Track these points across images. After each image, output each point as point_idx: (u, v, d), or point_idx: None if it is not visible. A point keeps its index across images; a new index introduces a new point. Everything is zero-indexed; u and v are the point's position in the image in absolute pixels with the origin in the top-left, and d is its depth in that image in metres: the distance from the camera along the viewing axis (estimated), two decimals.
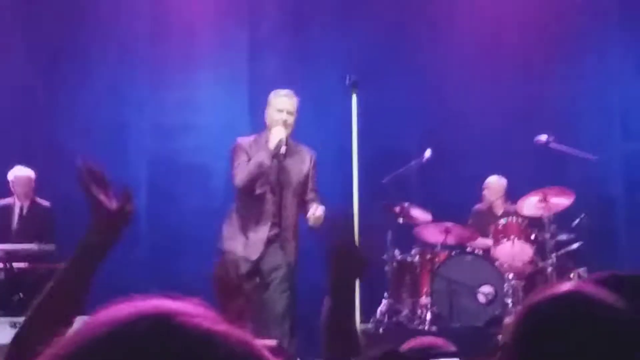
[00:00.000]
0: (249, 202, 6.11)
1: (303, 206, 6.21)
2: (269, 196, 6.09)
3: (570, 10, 9.04)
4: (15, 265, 6.87)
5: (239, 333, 0.87)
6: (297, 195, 6.19)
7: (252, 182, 6.06)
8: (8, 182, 7.70)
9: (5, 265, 6.83)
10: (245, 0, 9.29)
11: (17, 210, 7.67)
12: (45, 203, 7.79)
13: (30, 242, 7.08)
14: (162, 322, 0.85)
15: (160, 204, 8.70)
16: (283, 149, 6.07)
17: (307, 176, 6.23)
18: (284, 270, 6.07)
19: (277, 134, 6.06)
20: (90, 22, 9.07)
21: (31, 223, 7.60)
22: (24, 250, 6.99)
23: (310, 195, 6.24)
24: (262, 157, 6.05)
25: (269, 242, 6.07)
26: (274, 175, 6.10)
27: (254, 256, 6.02)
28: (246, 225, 6.09)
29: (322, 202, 6.21)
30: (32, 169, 7.81)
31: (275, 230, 6.09)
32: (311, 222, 6.03)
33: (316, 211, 5.99)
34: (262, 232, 6.06)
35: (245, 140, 6.27)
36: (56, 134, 8.87)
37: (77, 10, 9.07)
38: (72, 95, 8.96)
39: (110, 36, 9.10)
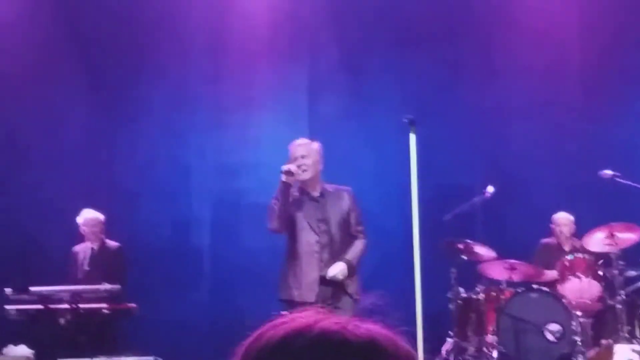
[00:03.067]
0: (295, 248, 6.17)
1: (351, 240, 6.27)
2: (313, 238, 6.15)
3: (630, 51, 8.95)
4: (82, 306, 6.96)
5: (397, 338, 1.03)
6: (344, 231, 6.26)
7: (278, 219, 6.13)
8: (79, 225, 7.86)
9: (71, 307, 6.92)
10: (304, 40, 9.39)
11: (88, 253, 7.81)
12: (115, 244, 7.93)
13: (100, 283, 7.17)
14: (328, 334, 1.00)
15: (224, 243, 8.77)
16: (290, 178, 6.10)
17: (349, 212, 6.28)
18: (348, 304, 6.10)
19: (284, 167, 6.15)
20: (152, 65, 9.26)
21: (101, 264, 7.71)
22: (90, 291, 7.08)
23: (355, 228, 6.32)
24: (276, 193, 6.14)
25: (324, 282, 6.09)
26: (315, 217, 6.18)
27: (311, 299, 6.03)
28: (297, 271, 6.15)
29: (365, 236, 6.32)
30: (100, 211, 7.96)
31: (326, 269, 6.12)
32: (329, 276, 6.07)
33: (331, 270, 6.03)
34: (313, 274, 6.10)
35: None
36: (119, 177, 9.04)
37: (137, 54, 9.27)
38: (133, 138, 9.15)
39: (171, 78, 9.27)
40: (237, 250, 8.72)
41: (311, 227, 6.17)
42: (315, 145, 6.37)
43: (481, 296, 7.39)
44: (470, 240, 7.49)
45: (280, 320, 1.04)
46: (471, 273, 7.54)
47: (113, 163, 9.19)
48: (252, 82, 9.34)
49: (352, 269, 6.17)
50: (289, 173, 6.12)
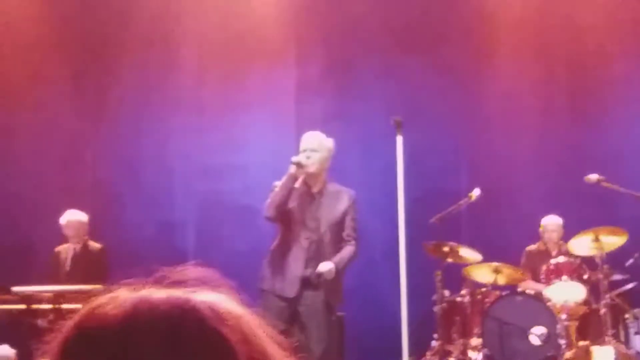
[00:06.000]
0: (285, 239, 6.10)
1: (343, 245, 6.17)
2: (303, 233, 6.07)
3: (617, 54, 9.00)
4: (65, 306, 6.90)
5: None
6: (335, 233, 6.14)
7: (276, 209, 6.05)
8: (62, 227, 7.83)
9: (54, 307, 6.87)
10: (292, 43, 9.38)
11: (70, 254, 7.77)
12: (98, 245, 7.88)
13: (83, 284, 7.12)
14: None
15: (208, 245, 8.74)
16: (299, 171, 6.05)
17: (344, 215, 6.17)
18: (322, 316, 6.00)
19: (295, 158, 6.09)
20: (137, 67, 9.23)
21: (83, 265, 7.68)
22: (73, 291, 7.03)
23: (347, 233, 6.18)
24: (281, 182, 6.07)
25: (306, 281, 6.01)
26: (309, 213, 6.10)
27: (291, 294, 5.97)
28: (284, 263, 6.06)
29: (357, 242, 6.17)
30: (84, 212, 7.91)
31: (311, 268, 6.04)
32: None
33: (322, 266, 5.96)
34: (298, 269, 6.02)
35: None
36: (104, 179, 9.01)
37: (123, 56, 9.24)
38: (118, 139, 9.12)
39: (156, 81, 9.24)
40: (221, 252, 8.68)
41: (303, 222, 6.09)
42: (329, 141, 6.26)
43: (466, 299, 7.38)
44: (456, 243, 7.48)
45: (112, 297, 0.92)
46: (456, 276, 7.53)
47: (98, 164, 9.14)
48: (239, 84, 9.32)
49: (337, 273, 6.08)
50: (299, 165, 6.05)
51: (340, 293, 6.23)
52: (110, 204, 8.89)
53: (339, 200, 6.20)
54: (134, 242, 8.49)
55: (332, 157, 6.25)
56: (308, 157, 6.10)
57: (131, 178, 9.06)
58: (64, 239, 7.86)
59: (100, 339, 0.87)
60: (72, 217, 7.83)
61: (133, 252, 8.37)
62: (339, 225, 6.15)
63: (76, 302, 6.93)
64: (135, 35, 9.29)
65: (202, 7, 9.40)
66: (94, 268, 7.63)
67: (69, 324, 0.93)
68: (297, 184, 6.13)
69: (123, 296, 0.91)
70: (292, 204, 6.10)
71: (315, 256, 6.05)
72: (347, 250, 6.13)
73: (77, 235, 7.80)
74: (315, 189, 6.17)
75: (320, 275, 5.99)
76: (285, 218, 6.10)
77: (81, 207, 7.94)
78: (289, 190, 6.07)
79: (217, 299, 0.91)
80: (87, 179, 9.06)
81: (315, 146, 6.15)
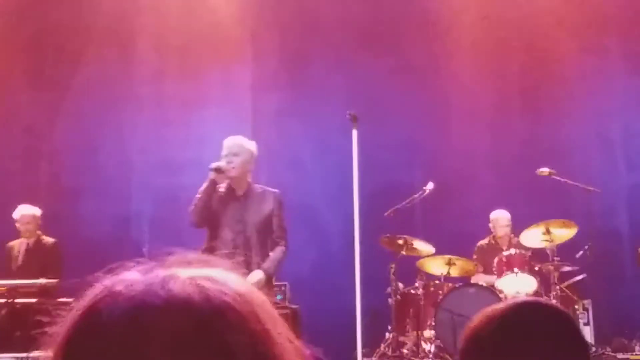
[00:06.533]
0: (211, 243, 6.12)
1: (272, 246, 6.19)
2: (229, 236, 6.11)
3: (571, 50, 9.14)
4: (18, 300, 6.86)
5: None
6: (262, 234, 6.17)
7: (199, 215, 6.11)
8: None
9: (7, 301, 6.82)
10: (249, 38, 9.40)
11: (23, 248, 7.71)
12: (51, 240, 7.83)
13: (35, 278, 7.08)
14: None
15: (164, 239, 8.71)
16: (220, 176, 6.10)
17: (270, 216, 6.19)
18: None
19: (213, 164, 6.15)
20: (95, 62, 9.18)
21: (36, 260, 7.61)
22: (27, 285, 6.99)
23: (276, 234, 6.20)
24: (202, 188, 6.14)
25: None
26: (234, 215, 6.13)
27: None
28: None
29: (286, 242, 6.16)
30: (38, 207, 7.85)
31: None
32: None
33: (250, 279, 5.97)
34: None
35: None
36: (61, 173, 8.94)
37: (81, 50, 9.19)
38: (74, 133, 9.06)
39: (115, 76, 9.20)
40: (177, 246, 8.66)
41: (229, 225, 6.11)
42: (250, 144, 6.29)
43: (420, 291, 7.46)
44: (410, 236, 7.55)
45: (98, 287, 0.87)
46: (410, 268, 7.62)
47: (54, 158, 9.07)
48: (196, 80, 9.31)
49: (269, 279, 6.07)
50: (218, 170, 6.10)
51: (273, 288, 6.28)
52: (67, 198, 8.84)
53: (264, 202, 6.22)
54: (90, 236, 8.45)
55: (255, 159, 6.28)
56: (230, 162, 6.14)
57: (88, 172, 9.01)
58: (17, 234, 7.79)
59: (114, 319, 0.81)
60: (25, 211, 7.76)
61: (89, 246, 8.33)
62: (265, 226, 6.16)
63: (29, 296, 6.89)
64: (95, 30, 9.25)
65: (160, 3, 9.38)
66: (47, 263, 7.58)
67: (82, 304, 0.86)
68: (221, 188, 6.17)
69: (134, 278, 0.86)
70: (218, 207, 6.15)
71: (243, 259, 6.01)
72: (277, 252, 6.13)
73: (29, 229, 7.73)
74: (239, 192, 6.19)
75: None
76: (211, 222, 6.14)
77: (37, 201, 7.88)
78: (209, 196, 6.12)
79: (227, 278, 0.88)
80: (43, 172, 8.98)
81: (237, 150, 6.19)
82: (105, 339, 0.80)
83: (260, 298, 0.89)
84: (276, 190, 6.32)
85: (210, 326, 0.80)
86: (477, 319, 1.68)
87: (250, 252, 6.05)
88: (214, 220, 6.13)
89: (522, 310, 1.67)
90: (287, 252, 6.19)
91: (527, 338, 1.61)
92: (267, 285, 6.08)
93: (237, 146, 6.20)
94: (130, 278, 0.86)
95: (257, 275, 5.96)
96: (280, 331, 0.86)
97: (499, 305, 1.69)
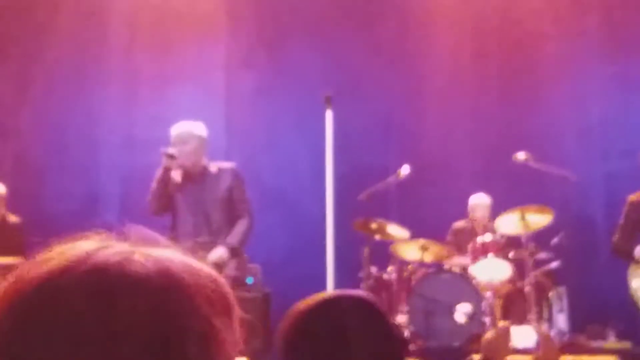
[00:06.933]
0: (174, 230, 6.01)
1: (236, 220, 6.13)
2: (190, 218, 6.01)
3: (550, 34, 9.05)
4: None
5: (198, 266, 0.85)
6: (224, 211, 6.10)
7: (156, 203, 6.08)
8: None
9: None
10: (223, 16, 9.20)
11: None
12: (16, 218, 7.65)
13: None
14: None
15: (133, 218, 8.52)
16: (172, 162, 6.01)
17: (229, 191, 6.13)
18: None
19: (166, 150, 6.07)
20: (62, 36, 8.95)
21: (0, 238, 7.44)
22: None
23: (239, 206, 6.15)
24: (156, 176, 6.09)
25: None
26: (193, 197, 6.06)
27: None
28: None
29: (250, 214, 6.14)
30: (5, 185, 7.65)
31: (204, 251, 5.94)
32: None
33: (211, 256, 5.84)
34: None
35: None
36: (27, 150, 8.73)
37: (49, 25, 8.95)
38: (41, 110, 8.84)
39: (83, 51, 8.99)
40: (145, 227, 8.49)
41: (188, 208, 6.05)
42: (199, 129, 6.18)
43: (393, 276, 7.36)
44: (384, 219, 7.44)
45: (47, 255, 0.82)
46: (384, 253, 7.50)
47: (19, 135, 8.85)
48: (167, 58, 9.12)
49: (234, 251, 6.02)
50: (170, 157, 5.97)
51: (245, 266, 6.21)
52: (33, 176, 8.63)
53: (221, 179, 6.16)
54: (56, 215, 8.25)
55: (206, 142, 6.19)
56: (180, 151, 6.02)
57: (55, 149, 8.81)
58: None
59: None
60: None
61: (55, 225, 8.12)
62: (227, 202, 6.11)
63: None
64: (66, 5, 9.01)
65: None
66: (11, 242, 7.40)
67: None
68: (176, 175, 6.09)
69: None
70: (177, 194, 6.09)
71: (208, 239, 5.95)
72: (241, 224, 6.10)
73: None
74: (195, 174, 6.14)
75: (215, 264, 5.90)
76: (171, 207, 6.10)
77: (2, 179, 7.67)
78: (165, 183, 6.07)
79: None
80: (8, 150, 8.76)
81: (185, 138, 6.09)
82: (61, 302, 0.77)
83: (214, 282, 0.85)
84: (232, 164, 6.27)
85: (163, 306, 0.78)
86: (286, 317, 1.73)
87: (215, 232, 5.97)
88: (174, 205, 6.07)
89: (328, 305, 1.69)
90: (253, 223, 6.15)
91: (333, 333, 1.65)
92: (236, 258, 6.00)
93: (186, 134, 6.11)
94: (87, 248, 0.83)
95: (219, 251, 5.89)
96: (225, 321, 0.83)
97: (307, 302, 1.72)
